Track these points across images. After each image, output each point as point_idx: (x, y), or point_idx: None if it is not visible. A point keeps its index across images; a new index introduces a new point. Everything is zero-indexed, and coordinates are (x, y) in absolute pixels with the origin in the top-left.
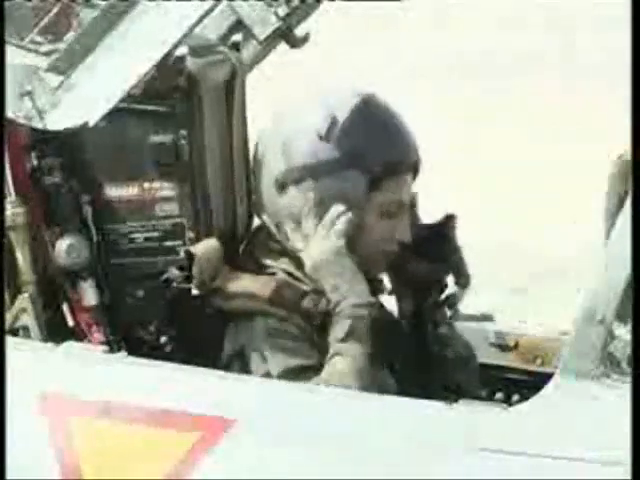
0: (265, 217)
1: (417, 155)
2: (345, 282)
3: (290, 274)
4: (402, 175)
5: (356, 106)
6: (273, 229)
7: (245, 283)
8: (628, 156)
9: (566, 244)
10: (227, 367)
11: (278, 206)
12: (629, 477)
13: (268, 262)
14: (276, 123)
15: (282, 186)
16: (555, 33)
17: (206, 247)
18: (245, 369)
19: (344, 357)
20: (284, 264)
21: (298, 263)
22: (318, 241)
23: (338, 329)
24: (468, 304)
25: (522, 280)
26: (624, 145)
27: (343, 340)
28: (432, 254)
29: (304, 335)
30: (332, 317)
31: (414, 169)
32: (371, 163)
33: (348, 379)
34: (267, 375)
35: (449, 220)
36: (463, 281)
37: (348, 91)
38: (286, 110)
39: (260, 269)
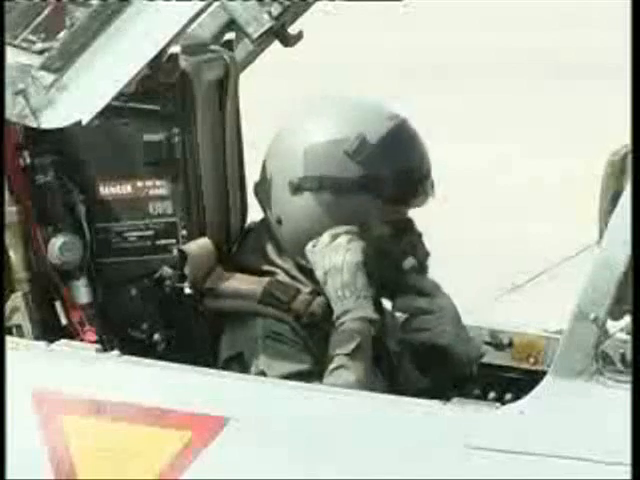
0: (268, 211)
1: (433, 182)
2: (354, 295)
3: (288, 273)
4: (417, 200)
5: (389, 131)
6: (274, 223)
7: (237, 283)
8: (621, 156)
9: (563, 244)
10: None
11: (287, 204)
12: (629, 477)
13: (264, 262)
14: (298, 129)
15: (297, 189)
16: (555, 32)
17: (199, 246)
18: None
19: (349, 370)
20: (283, 263)
21: (298, 263)
22: (334, 250)
23: (345, 343)
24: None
25: (517, 279)
26: (619, 145)
27: (350, 355)
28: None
29: (298, 339)
30: (335, 327)
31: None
32: (393, 190)
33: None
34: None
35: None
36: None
37: (381, 111)
38: (310, 119)
39: (255, 269)
